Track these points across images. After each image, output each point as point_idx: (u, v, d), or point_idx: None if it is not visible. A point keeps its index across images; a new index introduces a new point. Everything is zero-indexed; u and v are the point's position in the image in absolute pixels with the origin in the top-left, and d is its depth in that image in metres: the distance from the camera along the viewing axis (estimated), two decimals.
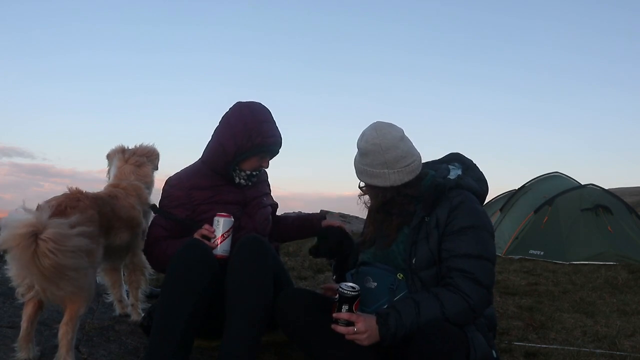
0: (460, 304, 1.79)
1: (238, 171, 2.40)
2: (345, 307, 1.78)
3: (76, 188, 2.22)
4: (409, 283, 1.90)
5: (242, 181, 2.43)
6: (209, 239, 2.13)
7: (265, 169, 2.57)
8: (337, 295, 1.81)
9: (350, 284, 1.82)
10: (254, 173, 2.43)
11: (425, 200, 1.94)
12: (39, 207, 1.96)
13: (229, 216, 2.17)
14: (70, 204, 2.08)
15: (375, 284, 1.95)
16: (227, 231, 2.14)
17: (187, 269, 1.98)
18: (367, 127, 2.02)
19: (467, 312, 1.80)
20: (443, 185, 1.95)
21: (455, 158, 2.16)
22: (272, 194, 2.71)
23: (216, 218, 2.16)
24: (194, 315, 1.94)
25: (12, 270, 1.98)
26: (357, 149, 2.03)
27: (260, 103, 2.46)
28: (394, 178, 1.96)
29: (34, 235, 1.74)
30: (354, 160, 2.07)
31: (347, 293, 1.78)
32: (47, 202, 2.08)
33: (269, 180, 2.71)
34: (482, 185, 2.07)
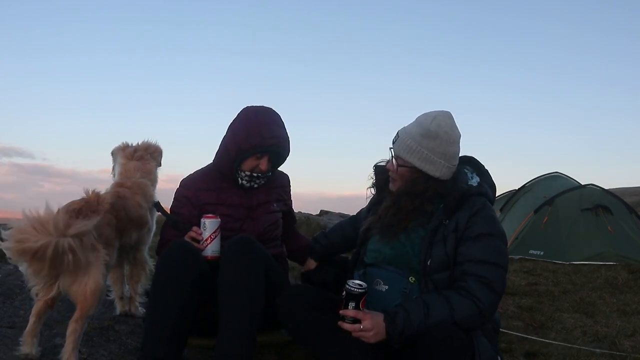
0: (471, 309, 1.78)
1: (240, 172, 2.42)
2: (351, 305, 1.77)
3: (93, 191, 2.25)
4: (422, 286, 1.89)
5: (245, 182, 2.44)
6: (198, 241, 2.16)
7: (278, 173, 2.59)
8: (344, 293, 1.80)
9: (358, 282, 1.81)
10: (255, 175, 2.42)
11: (448, 203, 1.92)
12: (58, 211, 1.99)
13: (215, 217, 2.19)
14: (91, 208, 2.13)
15: (387, 287, 1.94)
16: (214, 232, 2.16)
17: (172, 267, 2.02)
18: (436, 111, 1.97)
19: (477, 317, 1.79)
20: (468, 191, 1.94)
21: (467, 161, 2.13)
22: (287, 203, 2.65)
23: (202, 220, 2.18)
24: (182, 313, 1.96)
25: (29, 271, 1.98)
26: (420, 128, 1.93)
27: (269, 107, 2.47)
28: (444, 171, 1.95)
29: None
30: (405, 137, 1.95)
31: (354, 290, 1.78)
32: (67, 206, 2.11)
33: (289, 187, 2.67)
34: (494, 192, 2.09)
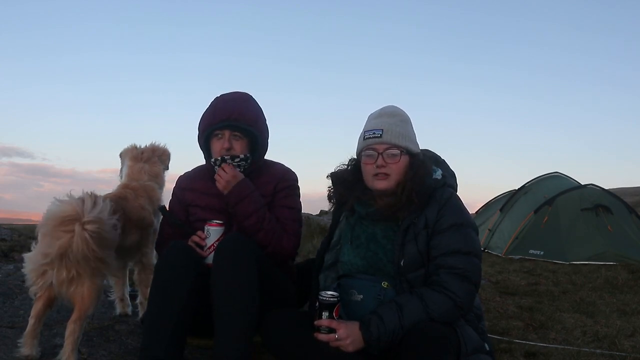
0: (446, 303, 1.78)
1: (215, 162, 2.29)
2: (325, 314, 1.79)
3: (92, 192, 2.23)
4: (397, 287, 1.88)
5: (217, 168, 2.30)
6: (201, 247, 2.15)
7: (272, 170, 2.40)
8: (317, 304, 1.81)
9: (330, 292, 1.83)
10: (223, 158, 2.25)
11: (418, 201, 1.91)
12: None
13: (219, 225, 2.16)
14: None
15: (361, 296, 1.92)
16: (217, 240, 2.15)
17: (172, 268, 2.02)
18: (383, 106, 2.05)
19: (454, 310, 1.79)
20: (434, 187, 1.94)
21: (425, 154, 2.11)
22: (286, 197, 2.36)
23: (206, 227, 2.16)
24: (182, 313, 1.96)
25: (29, 266, 2.00)
26: (393, 118, 1.99)
27: (237, 91, 2.36)
28: (418, 149, 2.03)
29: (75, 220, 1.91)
30: (391, 127, 1.96)
31: (325, 300, 1.79)
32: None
33: (285, 183, 2.36)
34: (455, 180, 2.10)
